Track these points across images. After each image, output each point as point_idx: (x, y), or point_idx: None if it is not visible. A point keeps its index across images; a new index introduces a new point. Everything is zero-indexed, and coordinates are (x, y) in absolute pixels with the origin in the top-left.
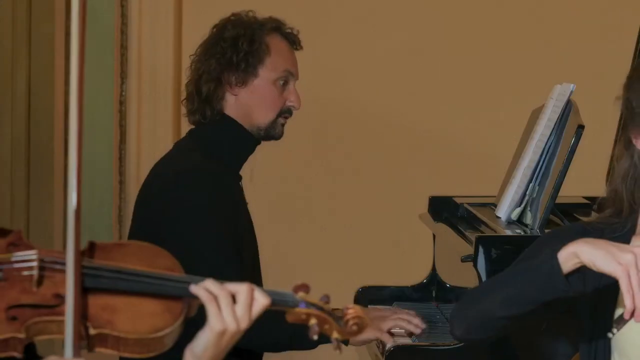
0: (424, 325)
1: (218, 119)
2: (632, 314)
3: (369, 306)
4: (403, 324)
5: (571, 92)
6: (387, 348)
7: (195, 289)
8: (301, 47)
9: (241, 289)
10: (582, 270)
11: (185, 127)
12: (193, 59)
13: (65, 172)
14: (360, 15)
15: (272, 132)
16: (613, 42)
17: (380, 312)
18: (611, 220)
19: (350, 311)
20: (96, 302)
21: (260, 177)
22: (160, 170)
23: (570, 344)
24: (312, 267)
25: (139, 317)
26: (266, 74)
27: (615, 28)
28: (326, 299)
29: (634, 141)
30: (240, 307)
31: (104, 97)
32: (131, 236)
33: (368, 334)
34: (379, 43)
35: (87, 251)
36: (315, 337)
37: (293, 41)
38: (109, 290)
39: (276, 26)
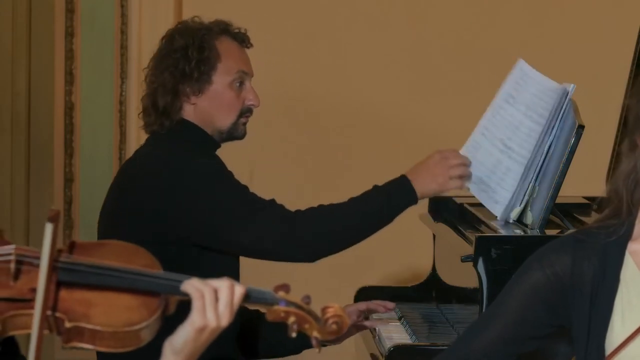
0: (392, 305)
1: (178, 126)
2: None
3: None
4: (373, 307)
5: (571, 92)
6: (386, 348)
7: (185, 285)
8: (251, 45)
9: (223, 285)
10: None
11: None
12: (147, 73)
13: (65, 172)
14: (360, 14)
15: (235, 134)
16: (613, 42)
17: (352, 307)
18: (608, 222)
19: (329, 310)
20: (72, 296)
21: (260, 177)
22: (136, 168)
23: (570, 344)
24: (312, 267)
25: (115, 311)
26: (220, 78)
27: (615, 28)
28: (307, 299)
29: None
30: (222, 304)
31: (104, 97)
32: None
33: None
34: (378, 43)
35: (67, 249)
36: (294, 335)
37: (242, 40)
38: (86, 285)
39: (224, 28)
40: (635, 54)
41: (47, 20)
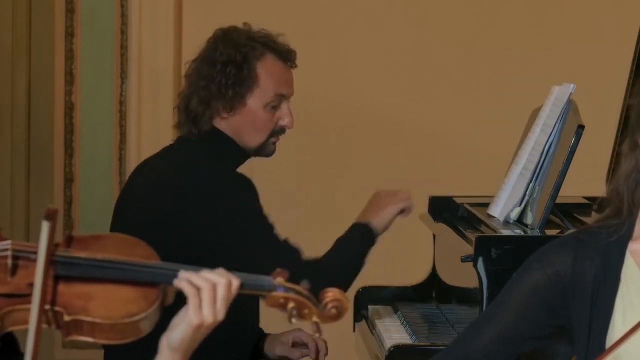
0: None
1: (208, 135)
2: None
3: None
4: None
5: (571, 92)
6: (386, 348)
7: (178, 282)
8: (296, 65)
9: (220, 281)
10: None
11: None
12: (189, 69)
13: (65, 172)
14: (360, 14)
15: (263, 152)
16: (613, 42)
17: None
18: (609, 222)
19: (328, 294)
20: (71, 290)
21: (260, 177)
22: (170, 173)
23: (569, 344)
24: None
25: (114, 303)
26: (254, 101)
27: (615, 28)
28: (306, 284)
29: None
30: (219, 301)
31: (104, 97)
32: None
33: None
34: (378, 43)
35: (64, 242)
36: (293, 321)
37: (287, 59)
38: (84, 278)
39: (269, 45)
40: (635, 54)
41: (47, 20)
